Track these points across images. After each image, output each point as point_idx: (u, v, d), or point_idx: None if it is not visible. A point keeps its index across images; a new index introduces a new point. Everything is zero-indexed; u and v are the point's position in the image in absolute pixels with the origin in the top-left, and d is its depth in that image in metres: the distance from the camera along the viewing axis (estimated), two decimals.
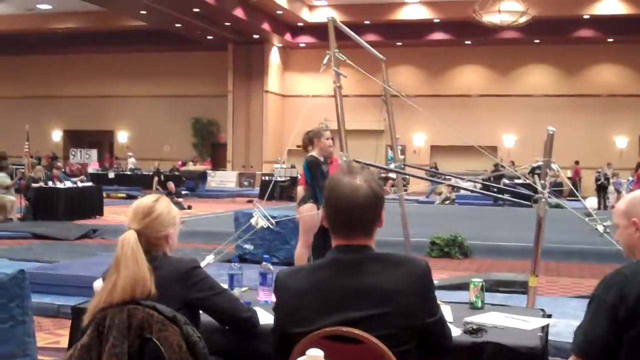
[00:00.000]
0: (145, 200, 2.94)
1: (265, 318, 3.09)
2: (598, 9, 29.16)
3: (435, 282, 8.27)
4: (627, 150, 32.30)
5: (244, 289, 3.74)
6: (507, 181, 23.42)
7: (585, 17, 29.56)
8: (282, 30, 32.51)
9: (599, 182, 26.16)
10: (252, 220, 5.41)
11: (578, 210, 5.77)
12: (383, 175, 5.53)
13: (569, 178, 26.36)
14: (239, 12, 28.22)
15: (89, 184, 20.07)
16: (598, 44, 31.44)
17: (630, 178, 27.02)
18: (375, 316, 2.28)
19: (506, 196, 9.61)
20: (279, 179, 25.02)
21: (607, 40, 31.06)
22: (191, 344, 2.54)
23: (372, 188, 2.37)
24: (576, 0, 28.83)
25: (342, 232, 2.40)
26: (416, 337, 2.35)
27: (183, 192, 24.96)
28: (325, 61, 5.61)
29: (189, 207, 20.52)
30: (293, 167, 26.40)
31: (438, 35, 31.92)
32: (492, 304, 3.77)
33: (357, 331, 2.24)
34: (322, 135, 7.62)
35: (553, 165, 5.47)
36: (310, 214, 7.46)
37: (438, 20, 30.95)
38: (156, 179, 26.67)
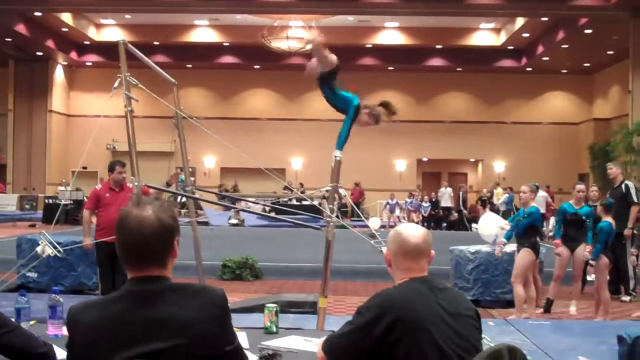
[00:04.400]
0: None
1: (59, 353, 2.98)
2: (379, 39, 30.73)
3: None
4: (406, 173, 34.19)
5: (31, 322, 3.58)
6: (296, 202, 23.97)
7: (367, 46, 31.02)
8: (68, 48, 31.38)
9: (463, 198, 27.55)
10: (38, 249, 5.20)
11: (363, 229, 6.04)
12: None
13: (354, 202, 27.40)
14: (20, 28, 26.89)
15: None
16: (380, 72, 33.06)
17: (408, 199, 28.63)
18: (173, 347, 2.26)
19: (295, 219, 9.84)
20: (64, 202, 24.00)
21: (387, 68, 32.76)
22: None
23: (161, 219, 2.35)
24: (360, 30, 30.19)
25: (133, 265, 2.37)
26: None
27: None
28: (116, 85, 5.52)
29: None
30: (78, 189, 25.47)
31: (228, 59, 32.15)
32: (286, 328, 3.86)
33: None
34: None
35: (340, 190, 5.72)
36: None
37: (228, 44, 31.20)
38: None
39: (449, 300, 2.91)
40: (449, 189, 28.84)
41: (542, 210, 23.78)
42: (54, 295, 3.54)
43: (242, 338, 3.32)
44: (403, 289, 2.92)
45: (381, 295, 2.90)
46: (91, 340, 2.30)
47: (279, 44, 27.51)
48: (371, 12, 26.45)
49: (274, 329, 3.63)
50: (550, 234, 17.14)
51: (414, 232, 3.03)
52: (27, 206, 30.18)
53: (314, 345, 3.26)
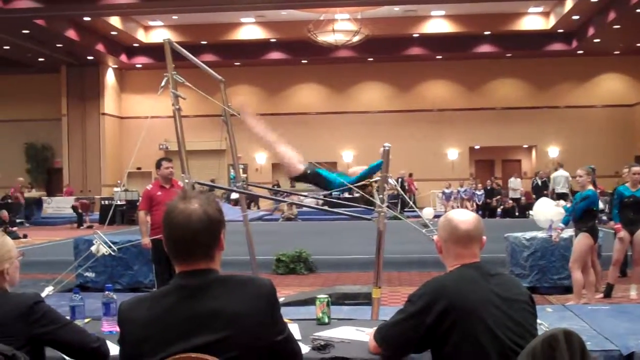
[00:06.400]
0: None
1: (113, 349, 3.01)
2: (426, 28, 30.44)
3: (282, 299, 8.37)
4: (458, 162, 33.87)
5: (86, 320, 3.62)
6: (348, 195, 23.96)
7: (414, 35, 30.78)
8: (118, 51, 31.82)
9: (535, 185, 27.06)
10: (93, 248, 5.26)
11: (417, 219, 6.00)
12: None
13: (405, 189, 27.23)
14: (71, 34, 27.36)
15: None
16: (427, 61, 32.82)
17: (461, 188, 28.40)
18: (223, 339, 2.27)
19: (347, 212, 9.81)
20: (119, 202, 24.40)
21: (435, 57, 32.48)
22: None
23: (207, 212, 2.36)
24: (406, 20, 29.97)
25: (181, 258, 2.38)
26: (266, 357, 2.36)
27: (17, 221, 23.88)
28: (163, 83, 5.55)
29: (25, 236, 19.63)
30: (127, 190, 25.92)
31: (275, 55, 32.23)
32: (339, 319, 3.84)
33: (206, 356, 2.23)
34: None
35: (390, 180, 5.67)
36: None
37: (275, 40, 31.27)
38: None
39: (502, 286, 2.86)
40: (519, 179, 28.40)
41: (564, 190, 23.50)
42: (107, 292, 3.58)
43: (294, 329, 3.32)
44: (455, 276, 2.88)
45: (432, 282, 2.87)
46: (142, 335, 2.32)
47: (326, 37, 27.48)
48: (417, 2, 26.23)
49: (326, 320, 3.62)
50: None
51: (464, 218, 2.99)
52: None
53: (366, 334, 3.23)
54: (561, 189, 23.67)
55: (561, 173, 24.76)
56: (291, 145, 6.55)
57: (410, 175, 29.70)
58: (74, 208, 26.14)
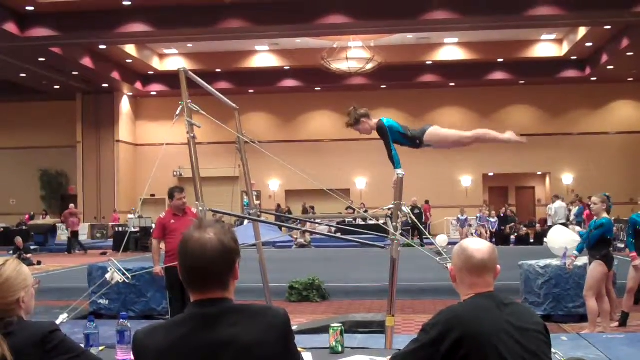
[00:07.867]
0: None
1: None
2: (440, 56, 30.54)
3: (295, 326, 8.36)
4: (472, 189, 33.80)
5: (101, 348, 3.63)
6: (362, 222, 23.95)
7: (428, 63, 30.87)
8: (133, 79, 32.09)
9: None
10: (107, 276, 5.28)
11: (430, 246, 5.99)
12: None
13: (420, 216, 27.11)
14: (87, 62, 27.64)
15: None
16: (441, 88, 32.90)
17: (479, 214, 28.27)
18: None
19: (359, 239, 9.80)
20: (132, 229, 24.45)
21: (449, 84, 32.57)
22: None
23: (222, 242, 2.36)
24: (419, 47, 30.07)
25: (196, 287, 2.38)
26: None
27: (32, 247, 23.96)
28: (178, 112, 5.59)
29: (39, 263, 19.67)
30: (141, 217, 25.96)
31: (289, 82, 32.38)
32: (352, 348, 3.83)
33: None
34: None
35: (403, 208, 5.67)
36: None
37: (288, 68, 31.44)
38: None
39: (516, 316, 2.85)
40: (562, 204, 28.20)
41: (563, 220, 23.40)
42: (122, 320, 3.59)
43: (308, 358, 3.31)
44: (469, 305, 2.88)
45: (446, 311, 2.85)
46: None
47: (339, 65, 27.64)
48: (430, 29, 26.33)
49: (340, 349, 3.61)
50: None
51: (479, 247, 2.97)
52: (98, 235, 30.86)
53: None
54: (559, 220, 23.61)
55: (560, 204, 24.74)
56: (304, 171, 6.56)
57: (427, 202, 29.63)
58: (72, 234, 25.94)
